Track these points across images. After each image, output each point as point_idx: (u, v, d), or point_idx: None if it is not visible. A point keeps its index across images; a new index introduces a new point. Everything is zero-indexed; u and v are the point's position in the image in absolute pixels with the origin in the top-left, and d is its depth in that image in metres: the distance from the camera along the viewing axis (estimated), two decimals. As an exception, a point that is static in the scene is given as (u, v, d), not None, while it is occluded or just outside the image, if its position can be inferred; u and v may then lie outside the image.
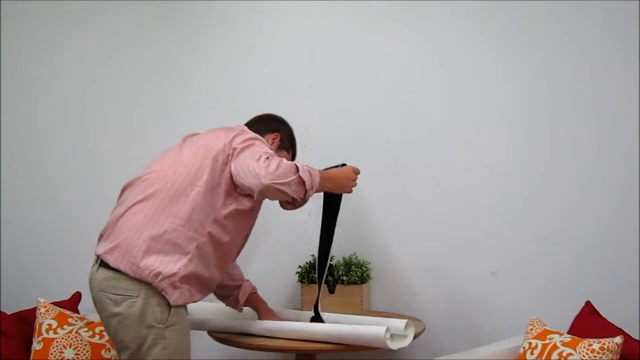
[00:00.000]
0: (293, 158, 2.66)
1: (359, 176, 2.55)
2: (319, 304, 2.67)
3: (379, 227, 3.13)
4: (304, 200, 2.33)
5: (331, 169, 2.50)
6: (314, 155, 3.18)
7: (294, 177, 2.22)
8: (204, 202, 2.25)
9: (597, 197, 2.78)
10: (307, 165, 2.30)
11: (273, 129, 2.57)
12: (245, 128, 2.43)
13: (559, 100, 2.84)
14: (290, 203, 2.34)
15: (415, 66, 3.08)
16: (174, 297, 2.22)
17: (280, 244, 3.22)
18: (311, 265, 3.04)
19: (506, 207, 2.93)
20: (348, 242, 3.09)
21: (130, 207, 2.28)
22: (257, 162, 2.20)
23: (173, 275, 2.20)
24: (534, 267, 2.87)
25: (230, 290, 2.66)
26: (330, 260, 3.06)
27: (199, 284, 2.31)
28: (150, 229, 2.22)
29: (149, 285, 2.20)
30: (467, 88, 2.99)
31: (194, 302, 2.34)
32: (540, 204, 2.87)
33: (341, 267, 3.00)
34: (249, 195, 2.30)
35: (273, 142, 2.55)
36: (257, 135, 2.37)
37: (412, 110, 3.07)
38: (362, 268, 3.00)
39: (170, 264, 2.20)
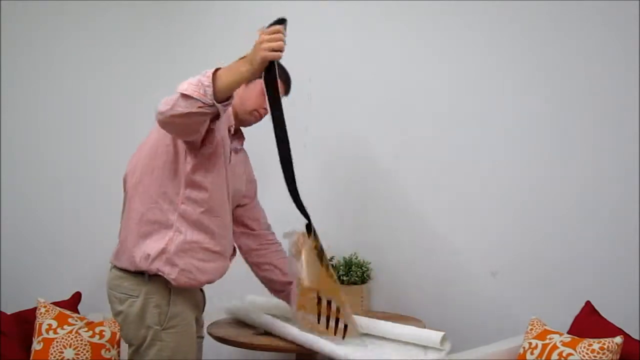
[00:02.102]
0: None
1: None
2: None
3: (379, 227, 3.13)
4: (219, 104, 2.00)
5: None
6: (314, 154, 3.20)
7: (175, 96, 2.00)
8: (168, 172, 2.22)
9: (597, 197, 2.77)
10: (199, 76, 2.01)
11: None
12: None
13: (559, 101, 2.84)
14: (212, 115, 2.04)
15: (416, 66, 3.08)
16: (172, 275, 2.20)
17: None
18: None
19: (506, 207, 2.92)
20: (348, 242, 3.09)
21: (122, 212, 2.34)
22: None
23: (163, 251, 2.19)
24: (534, 267, 2.86)
25: (283, 285, 2.61)
26: (331, 260, 3.06)
27: (206, 252, 2.26)
28: (133, 220, 2.24)
29: (149, 285, 2.21)
30: (467, 88, 2.99)
31: (208, 280, 2.30)
32: (540, 204, 2.86)
33: (341, 267, 3.00)
34: (198, 143, 2.19)
35: None
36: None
37: (412, 110, 3.07)
38: (362, 268, 3.00)
39: (157, 242, 2.20)
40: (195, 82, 2.00)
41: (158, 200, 2.22)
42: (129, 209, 2.27)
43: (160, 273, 2.19)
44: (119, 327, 2.31)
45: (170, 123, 2.07)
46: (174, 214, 2.22)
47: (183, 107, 2.00)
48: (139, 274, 2.22)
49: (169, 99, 2.03)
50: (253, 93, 2.38)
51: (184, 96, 2.00)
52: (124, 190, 2.33)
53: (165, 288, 2.23)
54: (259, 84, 2.22)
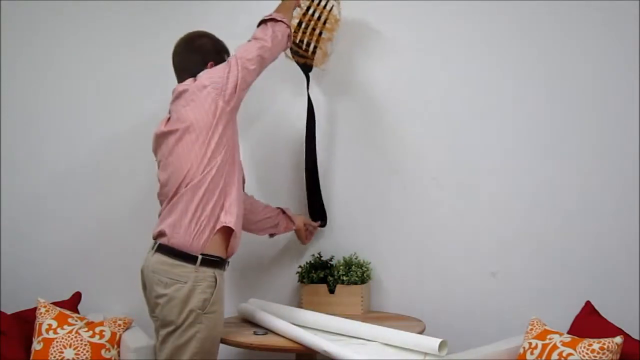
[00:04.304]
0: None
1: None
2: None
3: (379, 227, 3.13)
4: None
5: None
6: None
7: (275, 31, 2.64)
8: None
9: (597, 197, 2.77)
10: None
11: (204, 61, 2.67)
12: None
13: (559, 101, 2.84)
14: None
15: (415, 65, 3.08)
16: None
17: (280, 244, 3.23)
18: (311, 265, 3.05)
19: (506, 207, 2.92)
20: (348, 242, 3.09)
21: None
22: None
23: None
24: (535, 267, 2.86)
25: (271, 222, 2.96)
26: (331, 260, 3.08)
27: None
28: None
29: (198, 273, 2.36)
30: (467, 88, 2.99)
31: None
32: (540, 204, 2.86)
33: (341, 267, 3.00)
34: None
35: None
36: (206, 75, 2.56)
37: (412, 110, 3.07)
38: (362, 268, 3.00)
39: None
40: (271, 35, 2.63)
41: None
42: None
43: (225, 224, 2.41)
44: (157, 308, 2.41)
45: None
46: None
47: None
48: (190, 261, 2.36)
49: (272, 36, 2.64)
50: None
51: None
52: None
53: (212, 276, 2.39)
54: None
